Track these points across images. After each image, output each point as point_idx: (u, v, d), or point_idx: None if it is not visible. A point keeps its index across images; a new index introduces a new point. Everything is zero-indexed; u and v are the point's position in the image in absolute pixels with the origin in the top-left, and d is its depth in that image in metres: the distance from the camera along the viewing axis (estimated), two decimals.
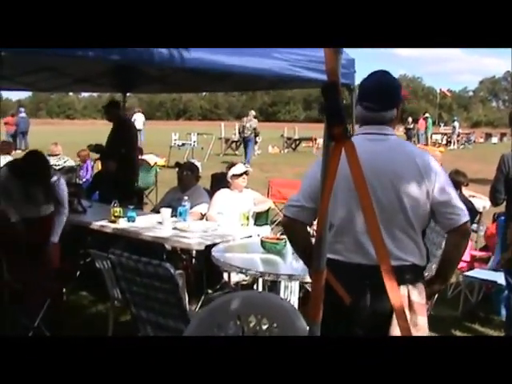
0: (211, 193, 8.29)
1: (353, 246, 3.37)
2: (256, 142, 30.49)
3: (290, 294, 6.28)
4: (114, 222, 7.02)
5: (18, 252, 5.56)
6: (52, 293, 6.32)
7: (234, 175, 7.93)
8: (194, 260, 7.12)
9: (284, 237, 6.18)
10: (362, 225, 3.23)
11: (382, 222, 2.83)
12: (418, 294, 3.37)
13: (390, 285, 2.18)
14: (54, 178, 6.44)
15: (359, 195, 2.15)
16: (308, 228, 3.73)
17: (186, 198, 7.45)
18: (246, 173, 7.93)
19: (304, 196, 3.46)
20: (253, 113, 29.22)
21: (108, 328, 6.08)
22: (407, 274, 3.33)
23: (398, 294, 2.37)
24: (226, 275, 7.13)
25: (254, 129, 27.59)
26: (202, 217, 7.69)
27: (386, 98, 3.49)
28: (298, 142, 38.02)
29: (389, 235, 3.27)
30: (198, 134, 28.79)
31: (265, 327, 3.51)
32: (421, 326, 3.36)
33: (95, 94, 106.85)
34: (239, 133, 28.45)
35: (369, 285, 3.27)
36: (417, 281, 3.39)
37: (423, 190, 3.31)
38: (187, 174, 8.13)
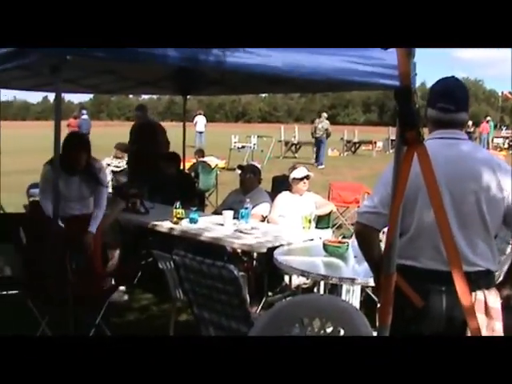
0: (272, 195, 8.30)
1: (429, 252, 3.30)
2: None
3: (352, 297, 6.24)
4: (176, 223, 7.06)
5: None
6: (112, 292, 6.39)
7: (294, 179, 7.92)
8: (255, 262, 7.11)
9: (346, 240, 6.15)
10: (437, 230, 3.18)
11: (459, 228, 2.79)
12: (494, 300, 3.31)
13: (461, 290, 2.15)
14: (101, 176, 6.56)
15: (431, 200, 2.13)
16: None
17: (247, 200, 7.45)
18: (307, 177, 7.90)
19: (381, 201, 3.36)
20: (325, 115, 30.19)
21: (169, 328, 6.10)
22: (483, 280, 3.27)
23: (470, 298, 2.34)
24: (287, 278, 7.12)
25: (326, 129, 28.50)
26: (264, 219, 7.70)
27: (461, 99, 3.44)
28: (357, 145, 37.83)
29: (466, 241, 3.21)
30: (258, 136, 28.80)
31: (329, 330, 3.49)
32: (498, 332, 3.30)
33: (155, 97, 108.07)
34: (311, 134, 29.19)
35: (444, 291, 3.21)
36: (492, 286, 3.34)
37: (500, 195, 3.25)
38: (249, 176, 8.15)
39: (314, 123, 29.72)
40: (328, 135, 29.08)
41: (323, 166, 26.90)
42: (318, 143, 28.65)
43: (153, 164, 10.83)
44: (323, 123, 28.78)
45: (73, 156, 6.28)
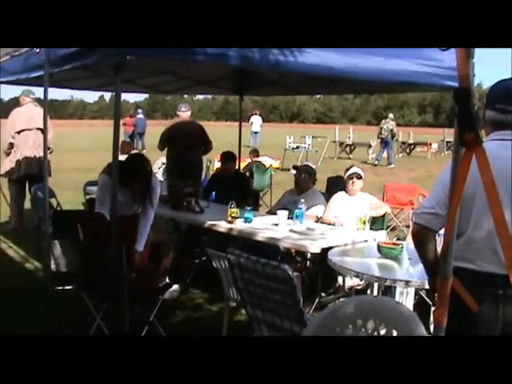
0: (327, 196, 8.29)
1: (486, 255, 3.27)
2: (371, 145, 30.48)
3: (406, 300, 6.21)
4: (230, 222, 7.10)
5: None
6: (166, 290, 6.45)
7: (348, 177, 7.92)
8: (308, 262, 7.11)
9: (400, 242, 6.12)
10: (495, 233, 3.14)
11: None
12: None
13: None
14: (153, 181, 6.56)
15: (489, 202, 2.12)
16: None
17: (302, 200, 7.47)
18: (357, 177, 7.87)
19: (438, 203, 3.33)
20: (391, 116, 30.55)
21: (222, 327, 6.13)
22: None
23: None
24: (340, 279, 7.11)
25: (391, 130, 28.94)
26: (318, 220, 7.70)
27: None
28: (412, 147, 37.49)
29: None
30: (312, 136, 28.74)
31: (383, 332, 3.48)
32: None
33: (209, 96, 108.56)
34: (377, 135, 29.75)
35: (502, 295, 3.17)
36: None
37: None
38: (304, 176, 8.15)
39: (380, 124, 30.28)
40: (393, 136, 29.64)
41: (393, 166, 27.00)
42: (384, 144, 29.15)
43: (200, 162, 10.93)
44: (388, 124, 29.22)
45: (132, 180, 6.29)
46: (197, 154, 10.94)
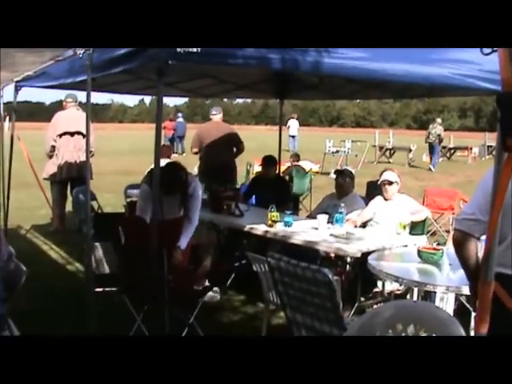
0: (367, 200, 8.27)
1: None
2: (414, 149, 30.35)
3: (446, 305, 6.16)
4: (271, 226, 7.11)
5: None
6: (206, 292, 6.48)
7: (380, 183, 7.89)
8: (348, 267, 7.09)
9: (441, 247, 6.08)
10: None
11: None
12: None
13: None
14: (190, 189, 6.58)
15: None
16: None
17: (342, 204, 7.45)
18: (388, 183, 7.82)
19: (479, 208, 3.31)
20: (439, 120, 30.51)
21: (261, 330, 6.15)
22: None
23: None
24: (379, 283, 7.09)
25: (439, 135, 28.93)
26: (358, 224, 7.68)
27: None
28: (452, 151, 37.11)
29: None
30: (352, 141, 28.65)
31: None
32: None
33: (249, 100, 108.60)
34: (425, 139, 29.72)
35: None
36: None
37: None
38: (345, 180, 8.14)
39: (428, 128, 30.38)
40: (440, 141, 29.62)
41: (433, 171, 26.84)
42: (431, 148, 29.19)
43: (232, 165, 10.97)
44: (436, 129, 29.21)
45: (170, 189, 6.30)
46: (229, 156, 10.99)
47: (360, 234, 6.89)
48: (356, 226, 7.57)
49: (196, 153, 11.49)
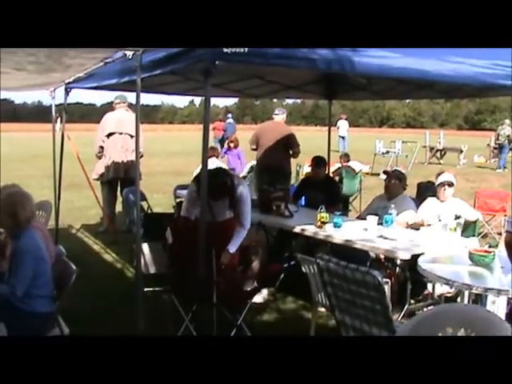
0: (417, 202, 8.18)
1: None
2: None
3: (497, 309, 6.06)
4: (320, 227, 7.07)
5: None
6: (255, 293, 6.47)
7: (439, 184, 7.82)
8: (397, 269, 7.02)
9: (492, 249, 5.98)
10: None
11: None
12: None
13: None
14: (237, 193, 6.54)
15: None
16: None
17: (392, 206, 7.38)
18: (449, 184, 7.75)
19: None
20: (507, 121, 30.56)
21: (309, 332, 6.12)
22: None
23: None
24: (429, 286, 7.01)
25: (508, 136, 29.24)
26: (408, 225, 7.60)
27: None
28: None
29: None
30: (402, 141, 28.41)
31: None
32: None
33: (299, 101, 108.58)
34: (494, 140, 30.35)
35: None
36: None
37: None
38: (395, 182, 8.06)
39: (497, 129, 30.84)
40: (510, 141, 29.74)
41: (501, 171, 26.70)
42: (501, 149, 29.25)
43: (286, 165, 10.98)
44: (505, 130, 29.46)
45: (216, 194, 6.27)
46: (283, 157, 11.01)
47: (410, 236, 6.82)
48: (407, 228, 7.49)
49: (254, 149, 11.60)
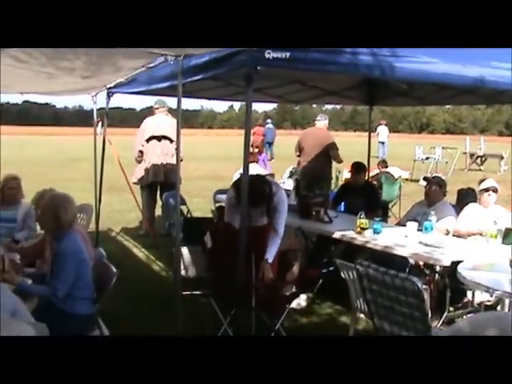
0: (457, 208, 8.12)
1: None
2: None
3: None
4: (359, 233, 7.05)
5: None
6: (293, 298, 6.46)
7: (481, 190, 7.75)
8: (437, 276, 6.97)
9: None
10: None
11: None
12: None
13: None
14: (275, 201, 6.53)
15: None
16: None
17: (432, 212, 7.35)
18: (494, 190, 7.68)
19: None
20: None
21: None
22: None
23: None
24: (469, 294, 6.95)
25: None
26: (448, 232, 7.54)
27: None
28: None
29: None
30: (442, 147, 28.20)
31: None
32: None
33: (338, 107, 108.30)
34: None
35: None
36: None
37: None
38: (435, 188, 8.00)
39: None
40: None
41: None
42: None
43: (327, 171, 11.01)
44: None
45: (254, 201, 6.24)
46: (323, 163, 11.05)
47: (450, 243, 6.77)
48: (446, 234, 7.44)
49: (298, 156, 11.85)
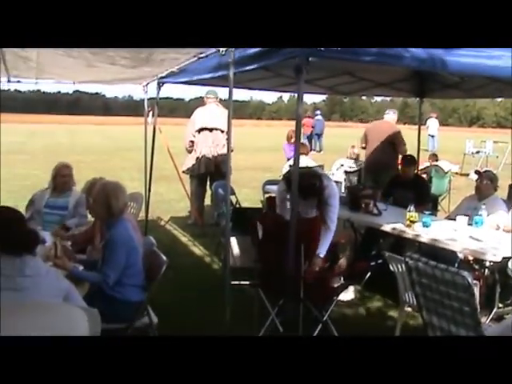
0: (508, 203, 8.03)
1: None
2: None
3: None
4: (408, 226, 7.00)
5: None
6: (341, 290, 6.45)
7: None
8: (486, 271, 6.90)
9: None
10: None
11: None
12: None
13: None
14: (325, 194, 6.50)
15: None
16: None
17: (482, 207, 7.28)
18: None
19: None
20: None
21: (395, 331, 6.08)
22: None
23: None
24: None
25: None
26: (499, 228, 7.45)
27: None
28: None
29: None
30: (493, 141, 27.80)
31: None
32: None
33: (388, 99, 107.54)
34: None
35: None
36: None
37: None
38: (486, 182, 7.91)
39: None
40: None
41: None
42: None
43: (392, 165, 10.98)
44: None
45: (305, 194, 6.21)
46: (388, 156, 11.04)
47: (501, 238, 6.69)
48: (497, 229, 7.35)
49: (364, 148, 11.99)
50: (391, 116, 11.81)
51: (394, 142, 11.24)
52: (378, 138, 11.38)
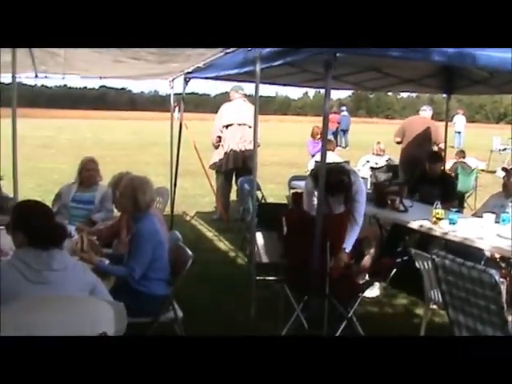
0: None
1: None
2: None
3: None
4: (435, 223, 6.96)
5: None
6: (366, 287, 6.43)
7: None
8: None
9: None
10: None
11: None
12: None
13: None
14: (353, 190, 6.47)
15: None
16: None
17: (510, 204, 7.22)
18: None
19: None
20: None
21: (420, 329, 6.04)
22: None
23: None
24: None
25: None
26: None
27: None
28: None
29: None
30: None
31: None
32: None
33: (414, 95, 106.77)
34: None
35: None
36: None
37: None
38: None
39: None
40: None
41: None
42: None
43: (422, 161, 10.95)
44: None
45: (333, 190, 6.20)
46: (424, 151, 11.00)
47: None
48: None
49: (398, 142, 12.06)
50: (427, 112, 11.91)
51: (431, 138, 11.45)
52: (415, 133, 11.47)
